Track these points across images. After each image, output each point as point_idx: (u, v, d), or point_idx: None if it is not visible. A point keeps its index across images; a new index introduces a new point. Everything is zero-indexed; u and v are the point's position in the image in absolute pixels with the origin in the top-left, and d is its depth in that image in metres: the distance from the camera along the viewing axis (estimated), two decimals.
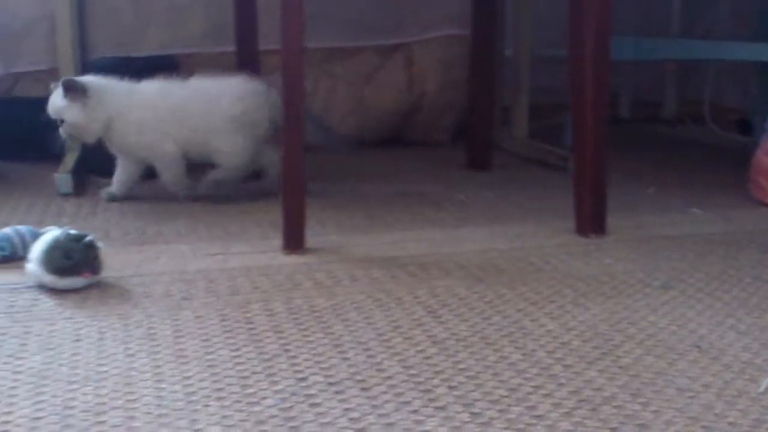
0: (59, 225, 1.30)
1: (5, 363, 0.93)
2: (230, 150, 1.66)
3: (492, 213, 1.61)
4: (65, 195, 1.72)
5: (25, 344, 0.98)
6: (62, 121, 1.61)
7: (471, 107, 2.03)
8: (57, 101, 1.61)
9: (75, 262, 1.16)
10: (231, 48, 1.99)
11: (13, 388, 0.87)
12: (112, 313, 1.08)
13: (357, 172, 1.97)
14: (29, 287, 1.17)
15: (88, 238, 1.17)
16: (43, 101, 2.07)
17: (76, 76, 1.93)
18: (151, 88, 1.67)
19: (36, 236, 1.29)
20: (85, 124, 1.60)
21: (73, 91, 1.58)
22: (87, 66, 1.96)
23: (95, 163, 1.86)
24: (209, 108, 1.65)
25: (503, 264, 1.29)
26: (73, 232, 1.18)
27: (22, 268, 1.20)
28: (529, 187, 1.84)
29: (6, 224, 1.38)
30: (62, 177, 1.74)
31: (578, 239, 1.42)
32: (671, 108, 2.77)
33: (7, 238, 1.30)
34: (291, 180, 1.33)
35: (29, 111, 2.08)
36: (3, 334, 1.01)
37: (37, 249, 1.17)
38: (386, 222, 1.55)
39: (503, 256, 1.32)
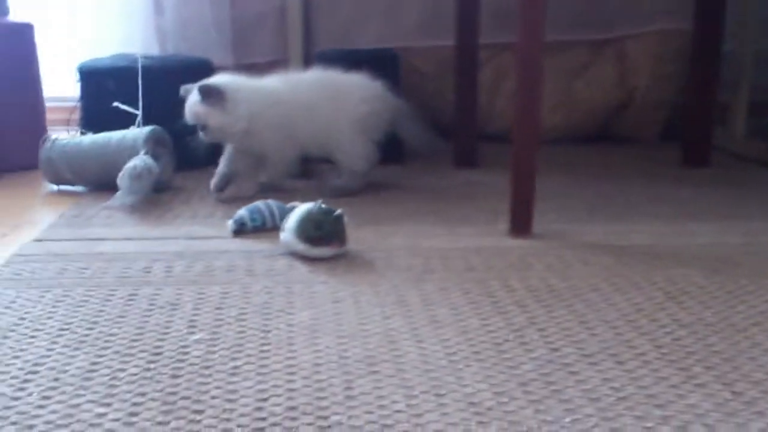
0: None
1: (278, 316, 1.03)
2: (352, 153, 1.67)
3: (717, 209, 1.57)
4: (294, 178, 1.85)
5: (291, 302, 1.08)
6: (204, 127, 1.61)
7: (688, 104, 1.98)
8: (196, 107, 1.59)
9: (325, 233, 1.25)
10: (448, 42, 2.05)
11: (290, 337, 0.96)
12: (362, 281, 1.16)
13: (568, 167, 1.97)
14: (283, 254, 1.28)
15: (337, 212, 1.26)
16: None
17: (302, 67, 2.07)
18: (279, 84, 1.68)
19: (283, 209, 1.41)
20: (229, 127, 1.60)
21: (211, 95, 1.58)
22: (314, 58, 2.09)
23: None
24: (336, 107, 1.66)
25: (739, 257, 1.26)
26: (323, 205, 1.27)
27: (272, 237, 1.32)
28: (752, 186, 1.78)
29: (231, 204, 1.51)
30: None
31: None
32: None
33: (258, 210, 1.42)
34: (521, 167, 1.37)
35: None
36: (269, 292, 1.12)
37: (291, 220, 1.28)
38: (606, 214, 1.55)
39: (738, 251, 1.29)
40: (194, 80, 1.97)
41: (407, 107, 1.74)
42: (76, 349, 0.93)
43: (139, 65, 1.76)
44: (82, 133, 1.84)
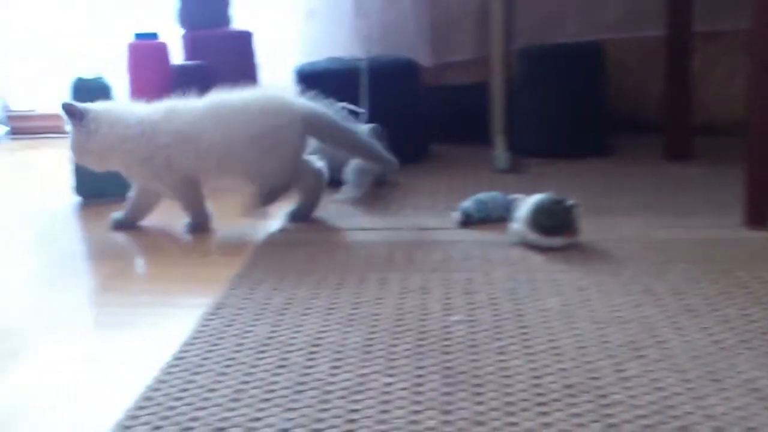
0: None
1: (527, 302, 1.06)
2: (258, 173, 1.48)
3: None
4: (502, 171, 1.88)
5: (535, 289, 1.11)
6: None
7: None
8: (67, 126, 1.51)
9: (558, 222, 1.28)
10: (653, 32, 2.02)
11: (545, 321, 1.00)
12: (601, 270, 1.17)
13: None
14: (515, 244, 1.31)
15: (569, 202, 1.29)
16: (471, 88, 2.29)
17: (503, 64, 2.09)
18: (155, 111, 1.50)
19: (506, 201, 1.45)
20: (78, 153, 1.51)
21: (73, 116, 1.48)
22: (515, 54, 2.12)
23: (526, 142, 2.01)
24: (228, 129, 1.46)
25: None
26: (555, 196, 1.30)
27: (497, 228, 1.36)
28: None
29: (449, 196, 1.56)
30: (501, 155, 1.91)
31: None
32: None
33: (483, 202, 1.47)
34: (758, 157, 1.33)
35: (459, 98, 2.31)
36: (512, 279, 1.16)
37: (523, 210, 1.31)
38: None
39: None
40: (403, 80, 2.07)
41: (336, 116, 1.55)
42: (349, 326, 1.01)
43: (365, 66, 1.85)
44: None
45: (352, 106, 1.80)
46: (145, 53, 2.05)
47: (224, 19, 2.14)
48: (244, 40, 2.14)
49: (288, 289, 1.15)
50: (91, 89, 1.76)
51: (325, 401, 0.82)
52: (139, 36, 2.06)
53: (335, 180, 1.70)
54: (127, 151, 1.48)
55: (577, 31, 2.23)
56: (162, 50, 2.05)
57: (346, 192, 1.68)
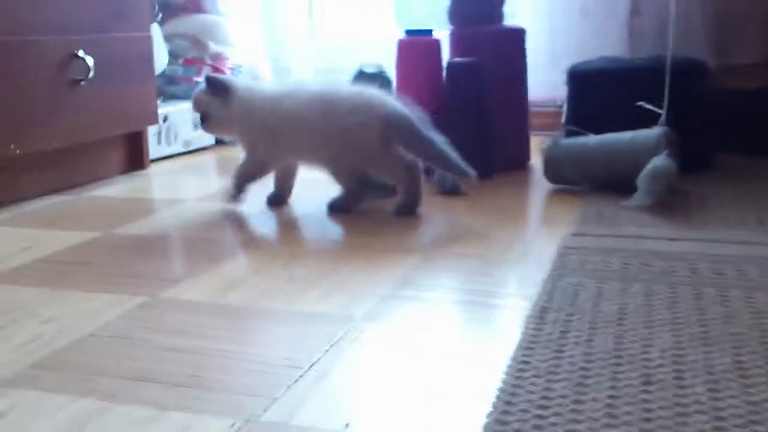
0: None
1: None
2: (334, 169, 1.58)
3: None
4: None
5: None
6: (205, 116, 1.64)
7: None
8: (201, 96, 1.63)
9: None
10: None
11: None
12: None
13: None
14: None
15: None
16: (757, 94, 2.07)
17: None
18: (273, 90, 1.62)
19: None
20: (227, 121, 1.62)
21: (217, 88, 1.61)
22: None
23: None
24: (322, 119, 1.53)
25: None
26: None
27: None
28: None
29: (756, 210, 1.38)
30: None
31: None
32: None
33: None
34: None
35: (743, 104, 2.10)
36: None
37: None
38: None
39: None
40: (691, 83, 1.89)
41: (418, 122, 1.52)
42: (706, 345, 0.88)
43: (668, 65, 1.70)
44: (570, 132, 1.84)
45: (650, 107, 1.66)
46: (415, 50, 2.02)
47: (497, 16, 2.05)
48: (515, 37, 2.05)
49: (615, 298, 1.03)
50: (371, 82, 1.74)
51: (720, 429, 0.70)
52: (410, 32, 2.03)
53: (627, 187, 1.57)
54: (240, 122, 1.61)
55: None
56: (433, 47, 2.01)
57: (637, 199, 1.54)
